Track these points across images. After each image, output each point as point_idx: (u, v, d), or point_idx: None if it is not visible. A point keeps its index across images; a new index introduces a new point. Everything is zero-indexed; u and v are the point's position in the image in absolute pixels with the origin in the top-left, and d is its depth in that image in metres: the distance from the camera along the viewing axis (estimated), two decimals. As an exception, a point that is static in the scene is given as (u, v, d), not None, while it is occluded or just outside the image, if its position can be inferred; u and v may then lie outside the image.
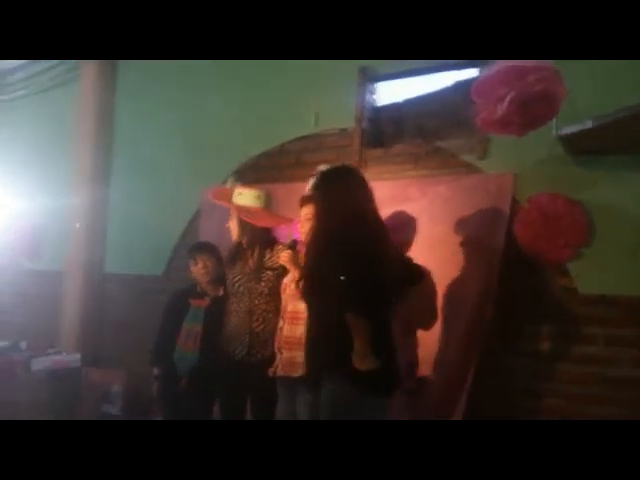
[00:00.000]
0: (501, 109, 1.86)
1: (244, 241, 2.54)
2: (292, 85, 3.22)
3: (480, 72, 2.66)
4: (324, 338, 1.95)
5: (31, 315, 4.40)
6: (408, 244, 2.49)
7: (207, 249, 2.78)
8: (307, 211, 2.35)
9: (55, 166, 4.36)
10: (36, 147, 4.56)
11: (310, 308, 2.07)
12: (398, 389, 1.96)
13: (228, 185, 2.60)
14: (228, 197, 2.56)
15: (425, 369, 2.41)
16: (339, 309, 1.86)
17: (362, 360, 1.84)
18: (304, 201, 2.37)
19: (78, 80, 4.19)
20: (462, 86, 2.82)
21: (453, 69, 2.83)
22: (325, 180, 2.05)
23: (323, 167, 3.00)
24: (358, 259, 1.79)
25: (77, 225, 4.10)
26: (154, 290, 3.77)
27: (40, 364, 3.53)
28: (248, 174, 3.23)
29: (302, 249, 2.56)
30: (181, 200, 3.66)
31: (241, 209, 2.51)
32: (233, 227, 2.54)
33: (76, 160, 4.16)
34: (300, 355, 2.25)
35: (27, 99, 4.64)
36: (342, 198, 1.95)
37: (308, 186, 2.87)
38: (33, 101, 4.61)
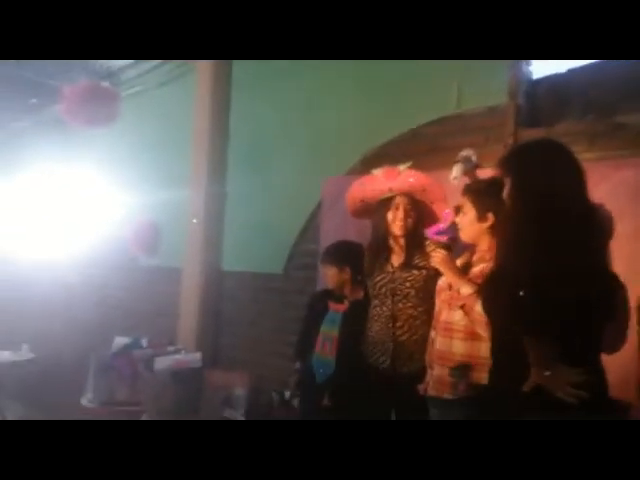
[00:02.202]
0: None
1: (399, 235, 2.22)
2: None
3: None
4: (507, 358, 1.59)
5: (149, 311, 4.41)
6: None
7: (333, 257, 2.52)
8: (467, 204, 1.99)
9: (172, 161, 4.30)
10: (153, 142, 4.55)
11: (491, 321, 1.71)
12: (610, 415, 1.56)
13: (402, 168, 2.28)
14: (401, 181, 2.25)
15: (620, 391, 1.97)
16: (517, 329, 1.51)
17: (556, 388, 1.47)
18: (470, 190, 2.00)
19: (193, 74, 4.09)
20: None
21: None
22: (521, 156, 1.65)
23: (467, 151, 2.65)
24: (562, 266, 1.41)
25: (194, 221, 4.01)
26: (273, 289, 3.60)
27: (163, 363, 3.45)
28: (375, 163, 2.90)
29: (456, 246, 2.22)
30: (301, 194, 3.44)
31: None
32: (396, 218, 2.22)
33: (193, 155, 4.07)
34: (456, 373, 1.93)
35: (144, 94, 4.64)
36: (545, 183, 1.55)
37: (453, 173, 2.52)
38: (149, 96, 4.61)
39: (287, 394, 3.15)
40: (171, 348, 3.78)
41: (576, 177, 1.59)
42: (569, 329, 1.47)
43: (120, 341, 3.90)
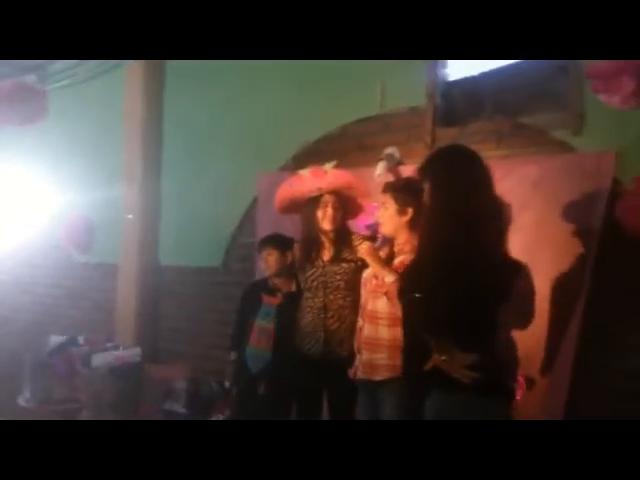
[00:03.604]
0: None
1: (329, 230, 2.36)
2: (354, 61, 2.98)
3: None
4: (414, 342, 1.77)
5: (86, 309, 4.37)
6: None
7: (271, 243, 2.64)
8: (388, 200, 2.16)
9: (104, 156, 4.26)
10: (84, 137, 4.47)
11: (403, 310, 1.88)
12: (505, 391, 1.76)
13: (327, 168, 2.41)
14: (328, 180, 2.39)
15: (530, 368, 2.21)
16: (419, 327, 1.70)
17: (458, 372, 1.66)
18: (390, 188, 2.17)
19: (125, 66, 4.06)
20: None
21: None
22: (436, 163, 1.82)
23: (390, 149, 2.83)
24: (465, 269, 1.59)
25: (130, 216, 4.02)
26: (212, 282, 3.67)
27: (101, 360, 3.46)
28: (306, 160, 3.04)
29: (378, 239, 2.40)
30: (237, 188, 3.51)
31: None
32: (326, 215, 2.35)
33: (126, 150, 4.06)
34: (382, 357, 2.11)
35: (72, 88, 4.53)
36: (456, 185, 1.72)
37: (377, 170, 2.70)
38: (78, 90, 4.51)
39: (227, 384, 3.26)
40: (109, 344, 3.78)
41: (482, 176, 1.78)
42: (465, 319, 1.64)
43: (56, 340, 3.86)
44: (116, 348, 3.69)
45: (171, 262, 3.94)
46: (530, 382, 2.26)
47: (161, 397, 3.31)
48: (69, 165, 4.55)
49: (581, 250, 2.22)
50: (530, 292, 2.23)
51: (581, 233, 2.23)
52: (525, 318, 2.21)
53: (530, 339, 2.25)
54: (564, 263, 2.25)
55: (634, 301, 2.20)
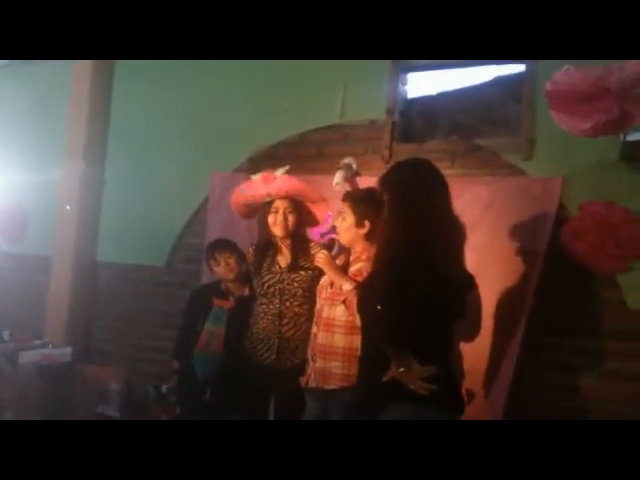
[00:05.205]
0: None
1: (282, 237, 2.34)
2: (316, 70, 3.00)
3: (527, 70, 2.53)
4: (372, 352, 1.78)
5: (13, 302, 4.10)
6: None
7: (228, 246, 2.59)
8: (347, 210, 2.16)
9: (43, 141, 4.03)
10: (21, 120, 4.21)
11: (361, 319, 1.89)
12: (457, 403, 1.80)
13: (278, 174, 2.37)
14: (277, 186, 2.35)
15: (472, 382, 2.28)
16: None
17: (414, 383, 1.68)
18: (350, 198, 2.17)
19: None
20: (503, 82, 2.69)
21: (491, 63, 2.68)
22: (396, 175, 1.82)
23: (348, 159, 2.86)
24: (424, 283, 1.61)
25: (68, 207, 3.81)
26: (154, 282, 3.55)
27: (28, 358, 3.26)
28: (263, 163, 3.02)
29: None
30: (187, 187, 3.42)
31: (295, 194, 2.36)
32: (276, 221, 2.32)
33: (68, 136, 3.86)
34: (335, 366, 2.10)
35: (9, 69, 4.27)
36: (417, 199, 1.73)
37: (335, 179, 2.71)
38: (18, 71, 4.25)
39: (164, 388, 3.15)
40: (37, 342, 3.57)
41: (442, 192, 1.81)
42: (424, 332, 1.66)
43: (-23, 334, 3.61)
44: (45, 346, 3.50)
45: (109, 258, 3.78)
46: (470, 395, 2.33)
47: (93, 400, 3.15)
48: (3, 149, 4.27)
49: (526, 269, 2.32)
50: (479, 307, 2.31)
51: (527, 253, 2.34)
52: (473, 332, 2.29)
53: (473, 353, 2.34)
54: (509, 281, 2.35)
55: (573, 322, 2.33)
